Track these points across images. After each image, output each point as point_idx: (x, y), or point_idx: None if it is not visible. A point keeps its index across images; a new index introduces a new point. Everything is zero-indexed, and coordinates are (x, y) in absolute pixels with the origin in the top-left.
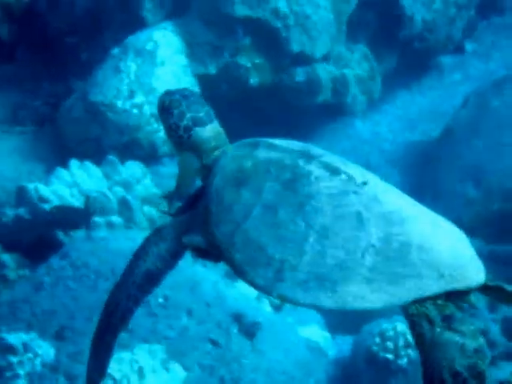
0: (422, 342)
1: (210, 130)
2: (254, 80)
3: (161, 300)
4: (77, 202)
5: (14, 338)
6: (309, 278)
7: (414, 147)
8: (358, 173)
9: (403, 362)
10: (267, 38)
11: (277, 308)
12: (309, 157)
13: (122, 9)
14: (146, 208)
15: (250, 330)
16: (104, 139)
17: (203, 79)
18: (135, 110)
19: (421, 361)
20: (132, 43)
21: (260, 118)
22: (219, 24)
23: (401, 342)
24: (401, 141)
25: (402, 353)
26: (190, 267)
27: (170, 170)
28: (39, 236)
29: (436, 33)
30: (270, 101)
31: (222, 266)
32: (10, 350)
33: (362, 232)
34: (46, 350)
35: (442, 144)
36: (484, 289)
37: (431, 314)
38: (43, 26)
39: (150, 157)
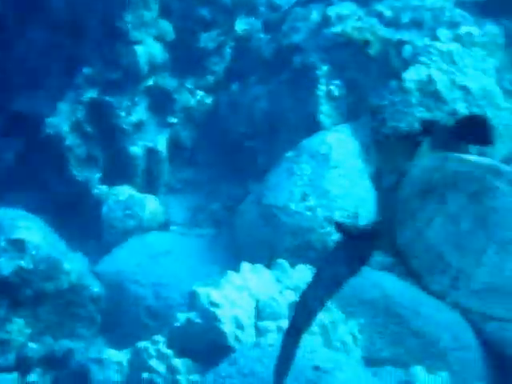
0: None
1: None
2: None
3: None
4: (247, 305)
5: None
6: (483, 289)
7: None
8: None
9: None
10: None
11: None
12: (498, 173)
13: (299, 113)
14: None
15: None
16: (277, 242)
17: None
18: (308, 213)
19: None
20: (306, 146)
21: None
22: None
23: None
24: None
25: None
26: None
27: None
28: (210, 340)
29: None
30: None
31: None
32: None
33: None
34: None
35: None
36: None
37: None
38: (223, 129)
39: None
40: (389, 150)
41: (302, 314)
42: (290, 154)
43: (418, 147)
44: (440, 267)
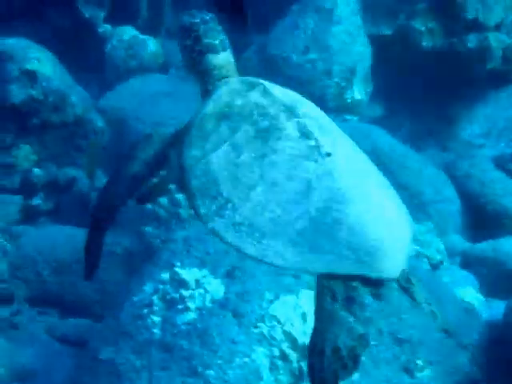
0: (319, 312)
1: (222, 59)
2: (426, 43)
3: None
4: None
5: (188, 274)
6: (243, 223)
7: None
8: (329, 143)
9: None
10: (443, 3)
11: (434, 267)
12: (292, 113)
13: None
14: None
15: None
16: None
17: (376, 40)
18: (309, 65)
19: (313, 329)
20: (312, 0)
21: (428, 81)
22: None
23: None
24: None
25: None
26: None
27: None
28: None
29: None
30: (440, 66)
31: None
32: (183, 284)
33: (305, 198)
34: (215, 287)
35: None
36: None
37: (336, 290)
38: None
39: None
40: (203, 66)
41: (103, 210)
42: (295, 7)
43: (231, 65)
44: (212, 193)
